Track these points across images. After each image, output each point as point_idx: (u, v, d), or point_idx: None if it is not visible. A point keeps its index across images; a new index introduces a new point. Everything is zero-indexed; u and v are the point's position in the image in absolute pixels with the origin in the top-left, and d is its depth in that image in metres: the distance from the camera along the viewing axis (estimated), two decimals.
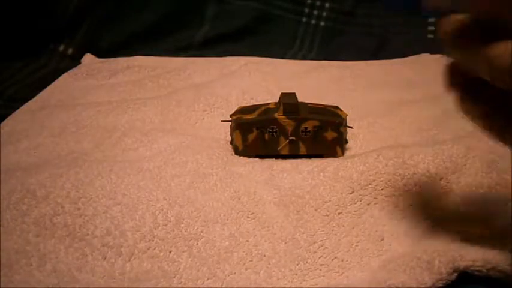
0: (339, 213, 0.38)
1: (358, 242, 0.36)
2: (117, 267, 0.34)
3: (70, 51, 0.76)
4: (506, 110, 0.30)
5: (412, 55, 0.72)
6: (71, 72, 0.68)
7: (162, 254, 0.35)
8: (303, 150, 0.45)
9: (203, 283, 0.33)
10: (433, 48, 0.73)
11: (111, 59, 0.71)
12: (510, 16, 0.26)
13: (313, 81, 0.64)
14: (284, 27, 0.79)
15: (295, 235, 0.36)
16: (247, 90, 0.59)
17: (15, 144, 0.48)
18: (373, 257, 0.35)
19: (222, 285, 0.33)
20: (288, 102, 0.44)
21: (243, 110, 0.47)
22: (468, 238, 0.35)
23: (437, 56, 0.71)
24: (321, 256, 0.35)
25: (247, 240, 0.36)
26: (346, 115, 0.46)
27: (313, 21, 0.79)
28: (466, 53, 0.29)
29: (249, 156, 0.45)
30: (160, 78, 0.65)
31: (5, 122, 0.54)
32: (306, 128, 0.44)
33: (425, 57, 0.71)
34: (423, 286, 0.30)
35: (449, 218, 0.37)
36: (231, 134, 0.46)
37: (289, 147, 0.45)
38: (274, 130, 0.44)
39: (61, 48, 0.76)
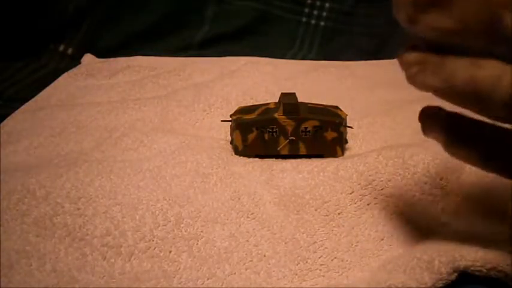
0: (339, 213, 0.38)
1: (358, 242, 0.36)
2: (117, 267, 0.34)
3: (70, 51, 0.76)
4: (506, 151, 0.28)
5: None
6: (71, 72, 0.68)
7: (162, 254, 0.35)
8: (303, 150, 0.45)
9: (203, 283, 0.33)
10: None
11: (111, 59, 0.71)
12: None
13: (313, 81, 0.64)
14: (284, 27, 0.79)
15: (295, 235, 0.36)
16: (247, 90, 0.59)
17: (15, 144, 0.48)
18: (373, 257, 0.35)
19: (222, 285, 0.33)
20: (288, 102, 0.44)
21: (243, 110, 0.47)
22: (468, 238, 0.34)
23: None
24: (321, 256, 0.35)
25: (247, 240, 0.36)
26: (346, 115, 0.46)
27: (313, 21, 0.79)
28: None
29: (249, 156, 0.45)
30: (160, 78, 0.65)
31: (5, 122, 0.54)
32: (306, 128, 0.44)
33: None
34: (423, 286, 0.30)
35: (449, 218, 0.37)
36: (231, 134, 0.46)
37: (289, 147, 0.45)
38: (274, 130, 0.44)
39: (61, 48, 0.76)
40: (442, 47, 0.26)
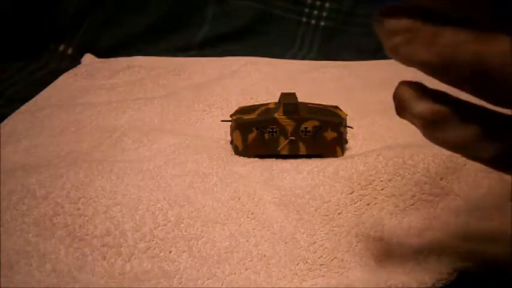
0: (339, 213, 0.38)
1: (358, 242, 0.36)
2: (117, 267, 0.34)
3: (70, 51, 0.76)
4: (500, 134, 0.24)
5: None
6: (71, 72, 0.68)
7: (162, 254, 0.35)
8: (303, 150, 0.45)
9: (203, 283, 0.33)
10: None
11: (111, 59, 0.71)
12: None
13: (313, 81, 0.64)
14: (284, 27, 0.79)
15: (295, 235, 0.36)
16: (247, 90, 0.59)
17: (15, 144, 0.48)
18: (373, 257, 0.35)
19: (222, 285, 0.33)
20: (288, 102, 0.44)
21: (243, 110, 0.47)
22: (468, 238, 0.35)
23: None
24: (321, 256, 0.35)
25: (247, 240, 0.36)
26: (346, 115, 0.46)
27: (313, 21, 0.79)
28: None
29: (249, 156, 0.45)
30: (160, 78, 0.65)
31: (5, 122, 0.54)
32: (306, 128, 0.44)
33: None
34: (423, 286, 0.30)
35: (450, 218, 0.37)
36: (231, 134, 0.46)
37: (289, 147, 0.45)
38: (274, 130, 0.44)
39: (61, 48, 0.76)
40: (438, 15, 0.22)
